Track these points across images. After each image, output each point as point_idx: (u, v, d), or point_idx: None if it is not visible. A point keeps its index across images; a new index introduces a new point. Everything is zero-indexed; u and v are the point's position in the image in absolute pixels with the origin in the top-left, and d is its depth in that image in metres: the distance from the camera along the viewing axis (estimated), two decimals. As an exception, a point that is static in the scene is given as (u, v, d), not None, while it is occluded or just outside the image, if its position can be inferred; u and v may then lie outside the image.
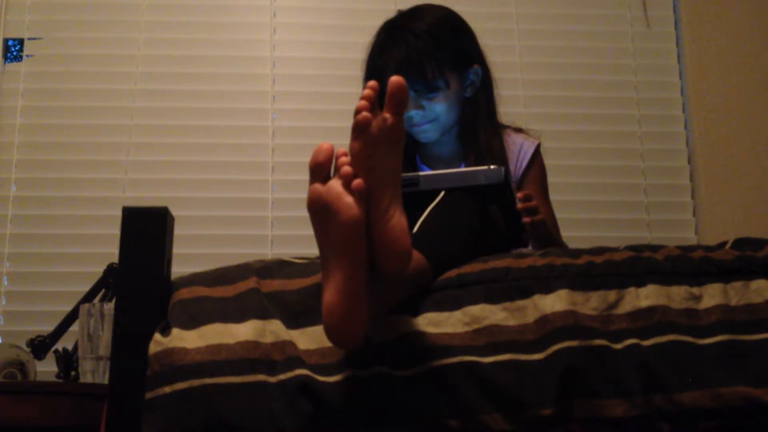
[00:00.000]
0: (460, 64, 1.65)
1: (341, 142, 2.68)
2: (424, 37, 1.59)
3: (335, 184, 0.99)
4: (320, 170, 1.01)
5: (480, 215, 1.30)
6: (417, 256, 1.12)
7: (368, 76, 1.64)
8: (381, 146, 1.02)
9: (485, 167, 1.33)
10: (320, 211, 1.00)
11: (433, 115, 1.63)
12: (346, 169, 0.99)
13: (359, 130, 1.01)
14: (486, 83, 1.70)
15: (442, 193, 1.30)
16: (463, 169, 1.36)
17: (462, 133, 1.68)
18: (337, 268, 0.99)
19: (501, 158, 1.64)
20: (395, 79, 1.02)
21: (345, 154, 1.02)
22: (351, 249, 0.99)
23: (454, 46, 1.64)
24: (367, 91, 1.01)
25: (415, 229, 1.21)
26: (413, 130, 1.65)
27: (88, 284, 1.92)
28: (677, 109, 2.60)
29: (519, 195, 1.45)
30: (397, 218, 1.01)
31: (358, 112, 1.01)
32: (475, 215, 1.29)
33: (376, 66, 1.63)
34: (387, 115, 1.02)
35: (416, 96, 1.61)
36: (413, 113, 1.61)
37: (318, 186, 1.01)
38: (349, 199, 0.98)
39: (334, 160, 1.02)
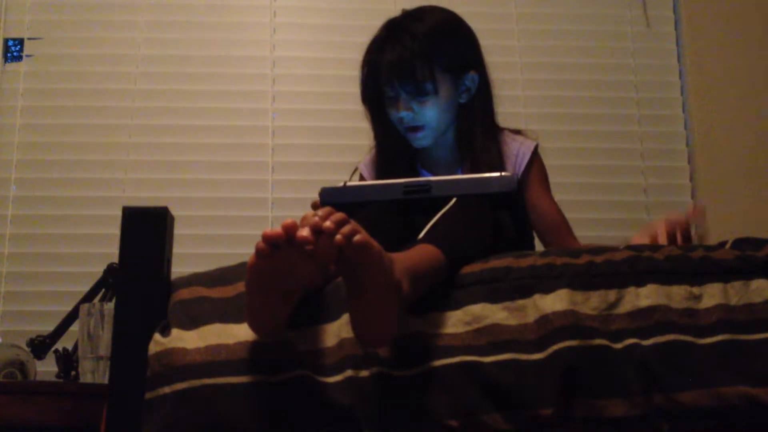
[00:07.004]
0: (455, 69, 1.63)
1: (340, 142, 2.67)
2: (420, 40, 1.58)
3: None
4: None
5: (492, 222, 1.31)
6: (433, 250, 1.13)
7: (364, 74, 1.66)
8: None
9: (498, 174, 1.33)
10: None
11: (423, 120, 1.61)
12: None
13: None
14: (483, 90, 1.68)
15: (454, 200, 1.30)
16: (476, 175, 1.36)
17: (458, 138, 1.68)
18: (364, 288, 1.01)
19: (498, 164, 1.64)
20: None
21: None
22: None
23: (451, 51, 1.63)
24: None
25: (428, 227, 1.22)
26: (408, 136, 1.65)
27: (88, 284, 1.93)
28: (677, 109, 2.60)
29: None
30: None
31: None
32: (487, 222, 1.30)
33: (371, 64, 1.63)
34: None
35: (407, 97, 1.60)
36: (403, 114, 1.61)
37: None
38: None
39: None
